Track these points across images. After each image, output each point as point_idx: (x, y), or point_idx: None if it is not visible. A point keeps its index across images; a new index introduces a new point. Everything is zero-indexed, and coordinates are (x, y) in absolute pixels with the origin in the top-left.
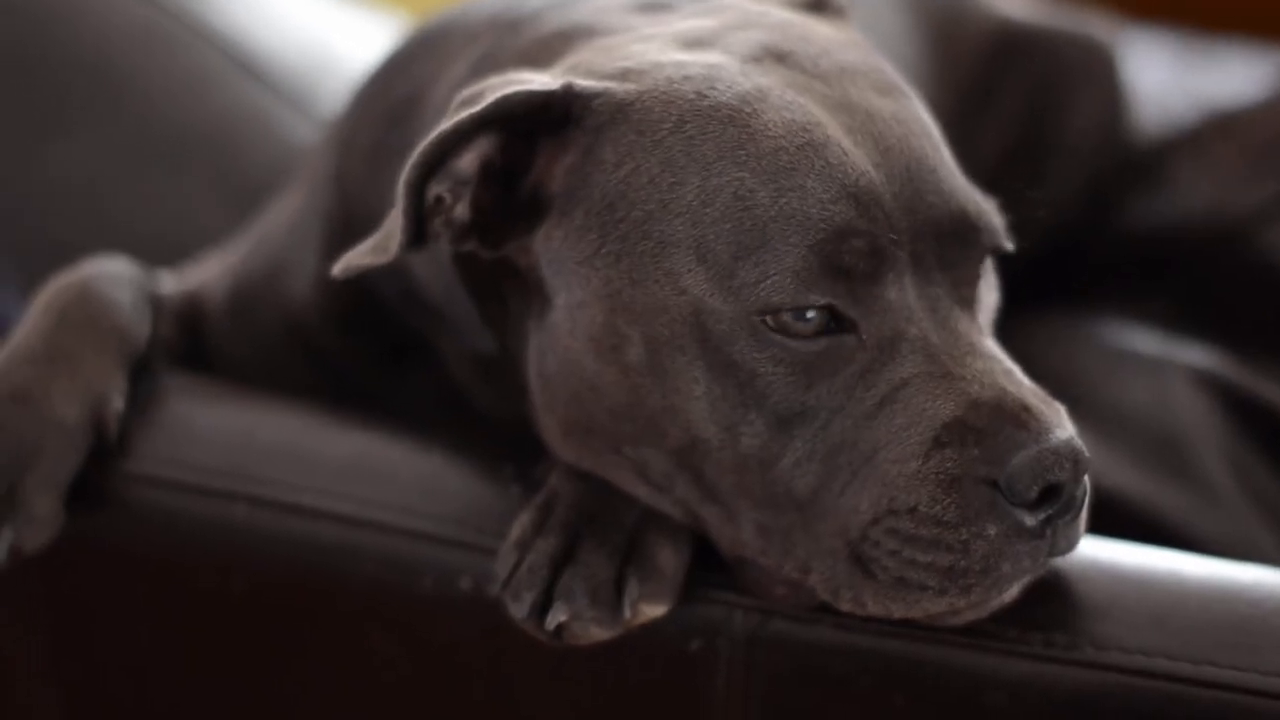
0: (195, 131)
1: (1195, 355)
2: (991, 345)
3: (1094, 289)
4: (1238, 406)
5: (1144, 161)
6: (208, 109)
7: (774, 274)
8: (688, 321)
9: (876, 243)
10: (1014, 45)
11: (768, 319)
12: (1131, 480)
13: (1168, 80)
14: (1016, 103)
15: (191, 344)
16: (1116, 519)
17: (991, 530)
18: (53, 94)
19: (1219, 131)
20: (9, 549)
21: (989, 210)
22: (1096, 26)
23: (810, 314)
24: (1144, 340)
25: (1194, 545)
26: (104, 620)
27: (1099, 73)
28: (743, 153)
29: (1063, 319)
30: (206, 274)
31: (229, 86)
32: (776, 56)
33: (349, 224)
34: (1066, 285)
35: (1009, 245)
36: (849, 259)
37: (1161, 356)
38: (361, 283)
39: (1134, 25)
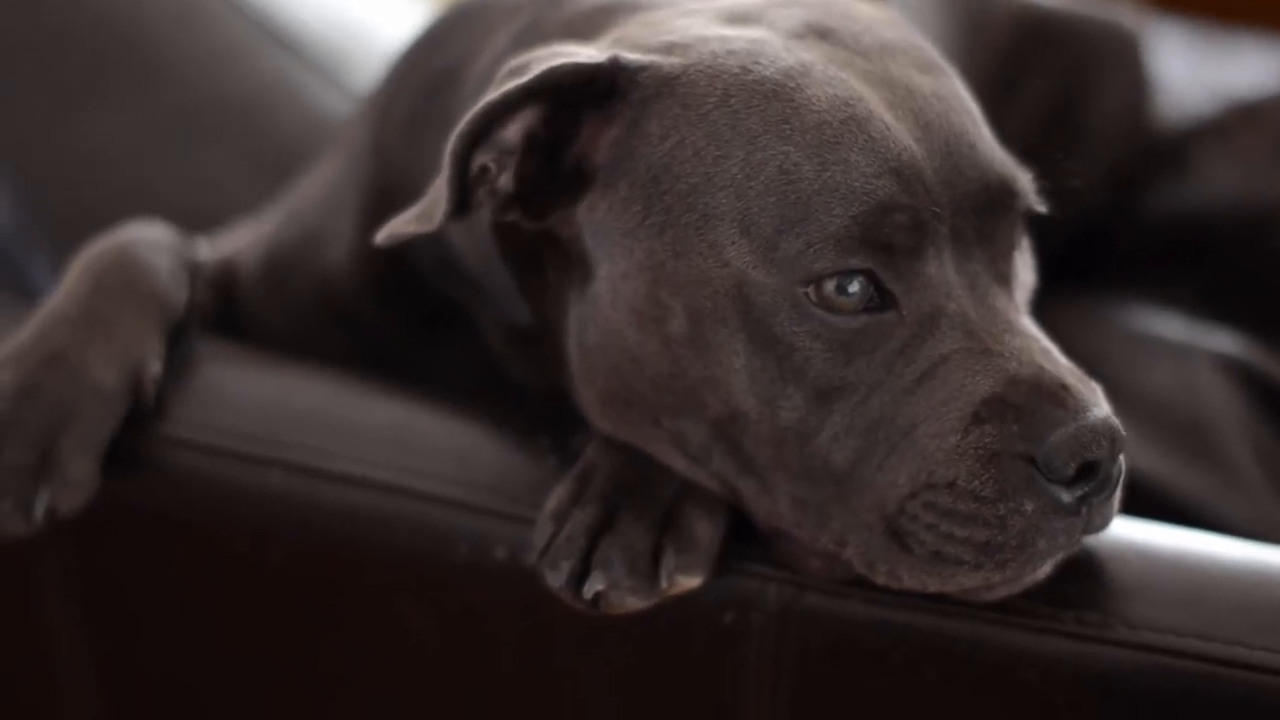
0: (227, 102)
1: (1221, 341)
2: (1029, 323)
3: (1120, 274)
4: (1263, 392)
5: (1169, 148)
6: (239, 80)
7: (816, 243)
8: (730, 294)
9: (918, 217)
10: (1040, 31)
11: (810, 291)
12: (1156, 463)
13: (1187, 71)
14: (1043, 88)
15: (225, 310)
16: (1141, 501)
17: (1029, 506)
18: (85, 64)
19: (1244, 120)
20: (45, 511)
21: (1024, 177)
22: (1122, 13)
23: (853, 287)
24: (1170, 326)
25: (1218, 528)
26: (138, 587)
27: (1125, 59)
28: (787, 127)
29: (1089, 303)
30: (241, 241)
31: (260, 57)
32: (819, 33)
33: (386, 194)
34: (1092, 270)
35: (1041, 207)
36: (891, 233)
37: (1187, 342)
38: (398, 251)
39: (1153, 16)
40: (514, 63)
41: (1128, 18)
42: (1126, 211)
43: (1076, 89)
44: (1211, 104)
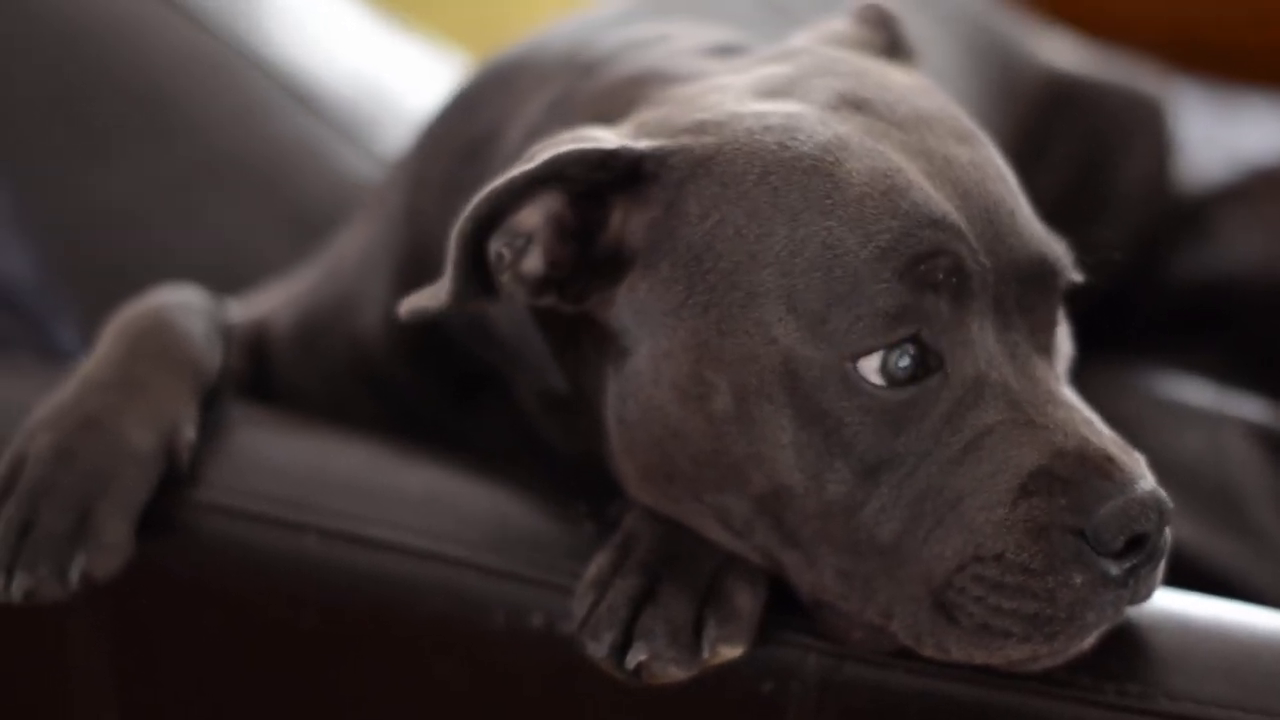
0: (248, 160)
1: (1248, 408)
2: (1070, 394)
3: (1144, 340)
4: None
5: (1191, 213)
6: (260, 138)
7: (865, 316)
8: (777, 370)
9: (961, 261)
10: (1065, 97)
11: (859, 366)
12: (1186, 531)
13: (1203, 134)
14: (1069, 154)
15: (256, 373)
16: (1171, 570)
17: (1078, 579)
18: (107, 121)
19: (1267, 186)
20: (80, 576)
21: (1064, 253)
22: (1146, 79)
23: (903, 361)
24: (1196, 393)
25: (1249, 597)
26: (169, 648)
27: (1148, 125)
28: (829, 201)
29: (1114, 369)
30: (272, 303)
31: (281, 116)
32: (854, 104)
33: (420, 259)
34: (1116, 336)
35: (1078, 277)
36: (936, 275)
37: (1215, 409)
38: (433, 316)
39: (1173, 78)
40: (535, 147)
41: (1151, 83)
42: (1150, 276)
43: (1102, 155)
44: (1229, 169)
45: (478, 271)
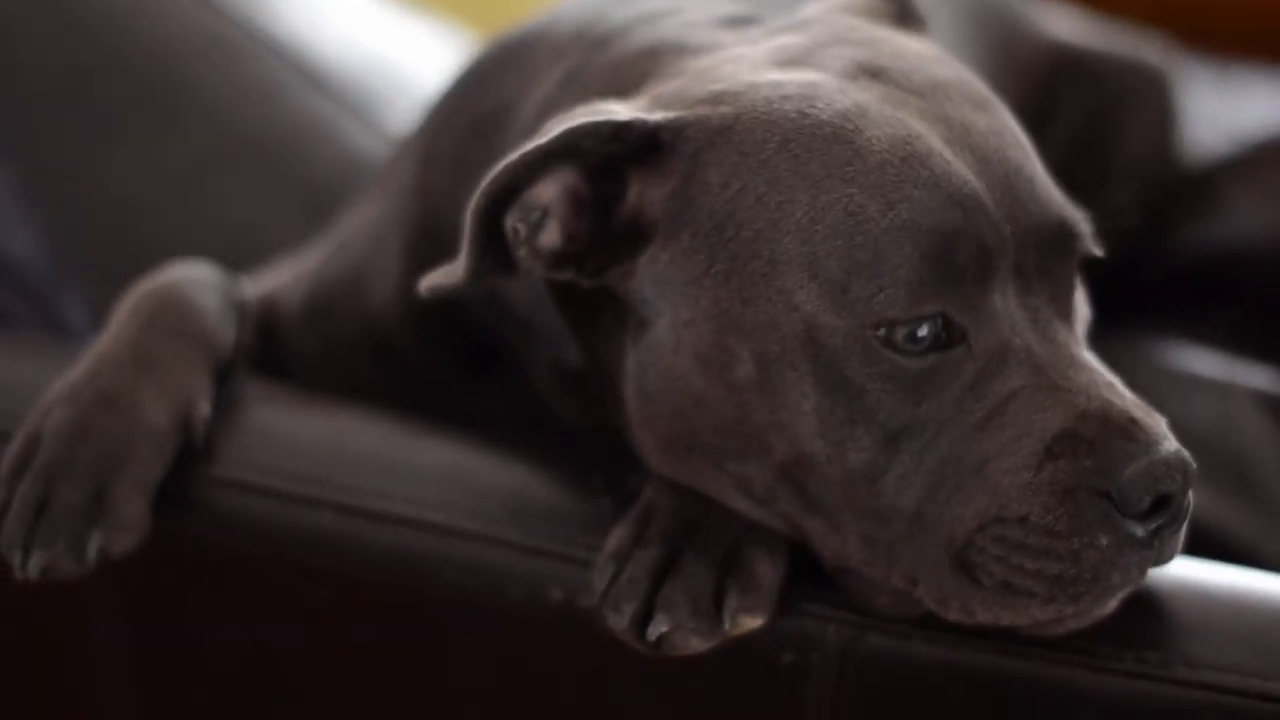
0: (259, 140)
1: (1258, 378)
2: (1091, 357)
3: (1152, 311)
4: None
5: (1196, 185)
6: (272, 118)
7: (888, 287)
8: (799, 338)
9: (985, 244)
10: (1069, 68)
11: (880, 333)
12: (1198, 499)
13: (1208, 109)
14: (1072, 125)
15: (266, 350)
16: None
17: (1103, 540)
18: (118, 103)
19: (1273, 159)
20: (97, 552)
21: (1082, 218)
22: (1150, 50)
23: (923, 331)
24: (1206, 363)
25: (1259, 564)
26: (188, 624)
27: (1152, 96)
28: (850, 169)
29: (1122, 340)
30: (282, 279)
31: (293, 96)
32: (871, 73)
33: (431, 234)
34: (1124, 307)
35: (1098, 250)
36: (960, 261)
37: (1224, 379)
38: (450, 293)
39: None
40: (551, 122)
41: (1154, 55)
42: (1156, 248)
43: (1105, 125)
44: (1233, 143)
45: (494, 247)
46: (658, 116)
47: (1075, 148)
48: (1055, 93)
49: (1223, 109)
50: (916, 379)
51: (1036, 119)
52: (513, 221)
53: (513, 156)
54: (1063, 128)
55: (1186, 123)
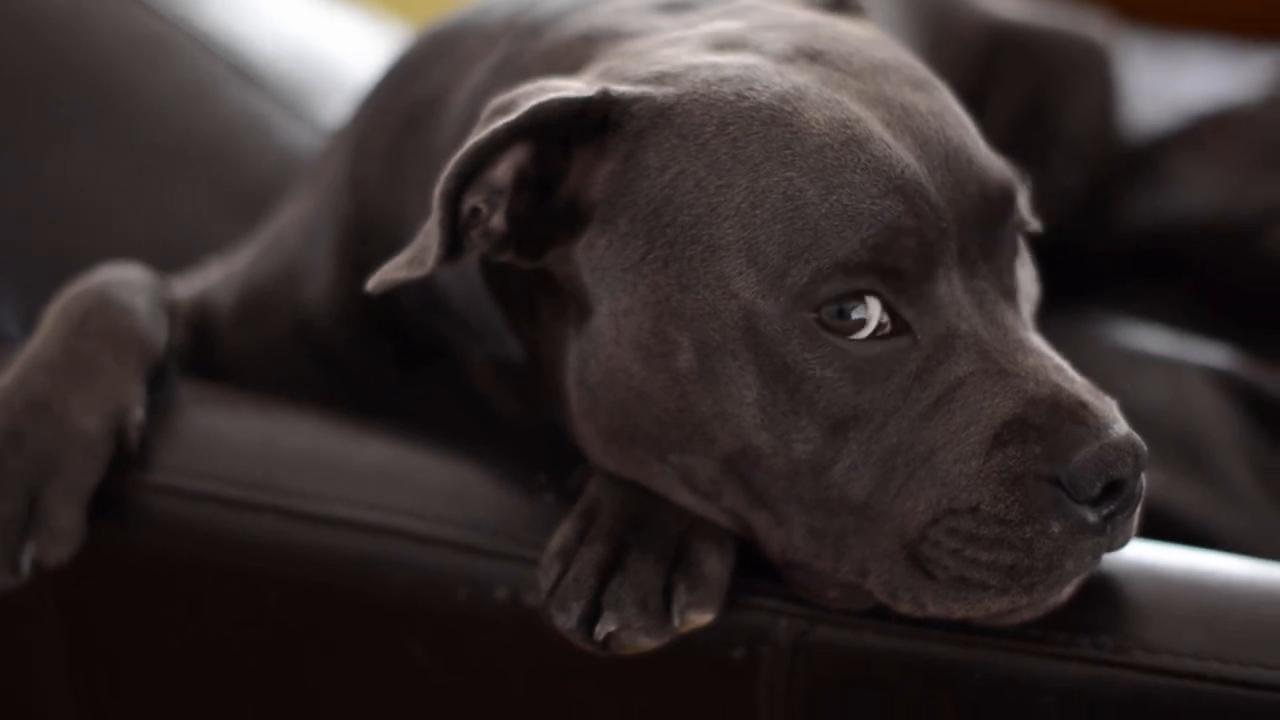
0: (195, 139)
1: (1209, 354)
2: (1039, 340)
3: (1100, 289)
4: (1254, 405)
5: (1140, 160)
6: (207, 116)
7: (826, 269)
8: (739, 325)
9: (926, 239)
10: (1008, 44)
11: (820, 317)
12: (1151, 479)
13: (1145, 83)
14: (1012, 102)
15: (199, 351)
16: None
17: (1055, 528)
18: (51, 103)
19: (1216, 130)
20: (31, 563)
21: (1016, 178)
22: (1090, 24)
23: (862, 311)
24: (1156, 340)
25: (1213, 543)
26: (126, 634)
27: (1092, 70)
28: (789, 152)
29: (1071, 319)
30: (213, 278)
31: (228, 94)
32: (809, 55)
33: (364, 228)
34: (1071, 286)
35: (1035, 224)
36: (900, 258)
37: (1175, 356)
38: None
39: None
40: (499, 100)
41: (1095, 29)
42: (1101, 223)
43: (1046, 101)
44: (1176, 116)
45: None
46: (619, 90)
47: (1016, 124)
48: (994, 70)
49: (1163, 82)
50: (860, 366)
51: (976, 97)
52: (474, 202)
53: (479, 136)
54: (1003, 105)
55: (1127, 96)
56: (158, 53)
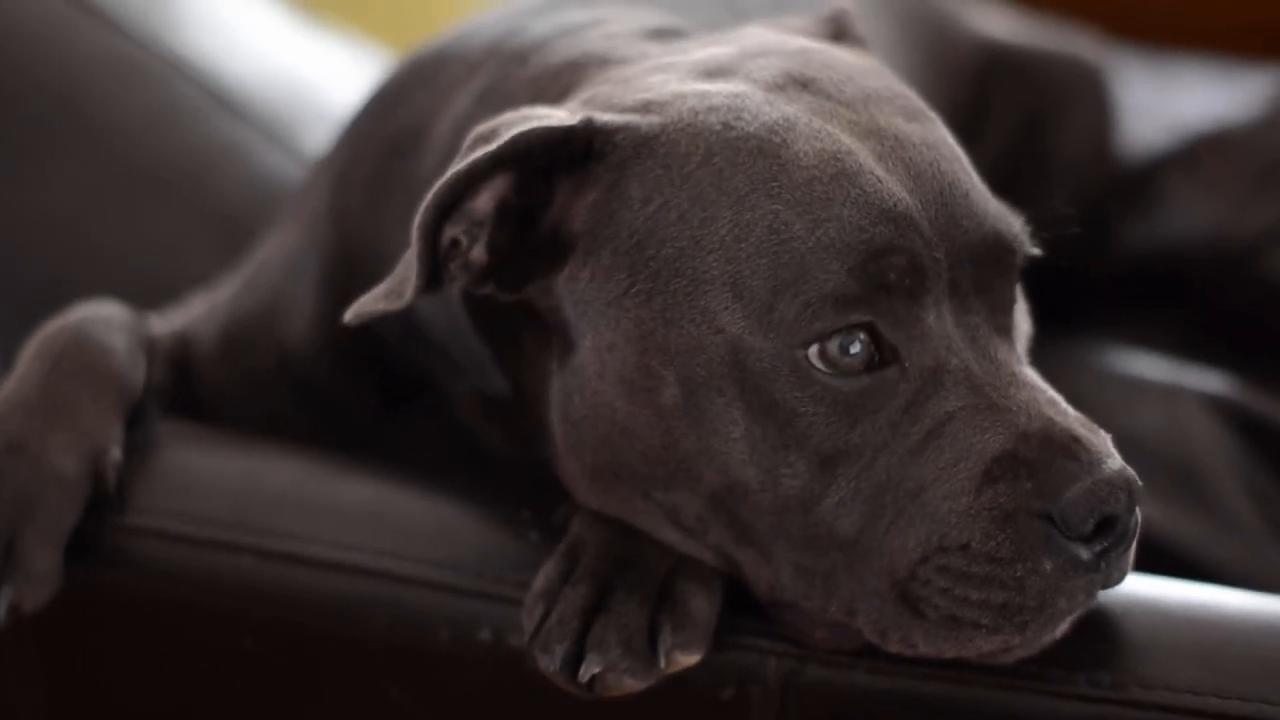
0: (171, 165)
1: (1206, 380)
2: (1032, 374)
3: (1096, 315)
4: (1252, 432)
5: (1137, 182)
6: (183, 142)
7: (814, 303)
8: (725, 361)
9: (916, 259)
10: (1002, 67)
11: (810, 354)
12: (1147, 508)
13: (1141, 103)
14: (1006, 124)
15: (181, 387)
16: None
17: (1047, 565)
18: (25, 129)
19: (1212, 151)
20: (8, 607)
21: (1020, 229)
22: (1084, 46)
23: (854, 347)
24: (1152, 366)
25: (1211, 573)
26: (107, 676)
27: (1087, 92)
28: (775, 185)
29: (1066, 346)
30: (194, 314)
31: (204, 119)
32: (800, 83)
33: (347, 260)
34: (1066, 311)
35: (1035, 250)
36: (889, 275)
37: (1172, 382)
38: (363, 323)
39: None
40: (481, 128)
41: (1088, 49)
42: (1097, 247)
43: (1041, 124)
44: (1171, 137)
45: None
46: (607, 118)
47: (1011, 147)
48: (989, 92)
49: (1158, 101)
50: (849, 401)
51: (970, 119)
52: (454, 233)
53: (459, 166)
54: (998, 127)
55: (1123, 117)
56: (132, 77)
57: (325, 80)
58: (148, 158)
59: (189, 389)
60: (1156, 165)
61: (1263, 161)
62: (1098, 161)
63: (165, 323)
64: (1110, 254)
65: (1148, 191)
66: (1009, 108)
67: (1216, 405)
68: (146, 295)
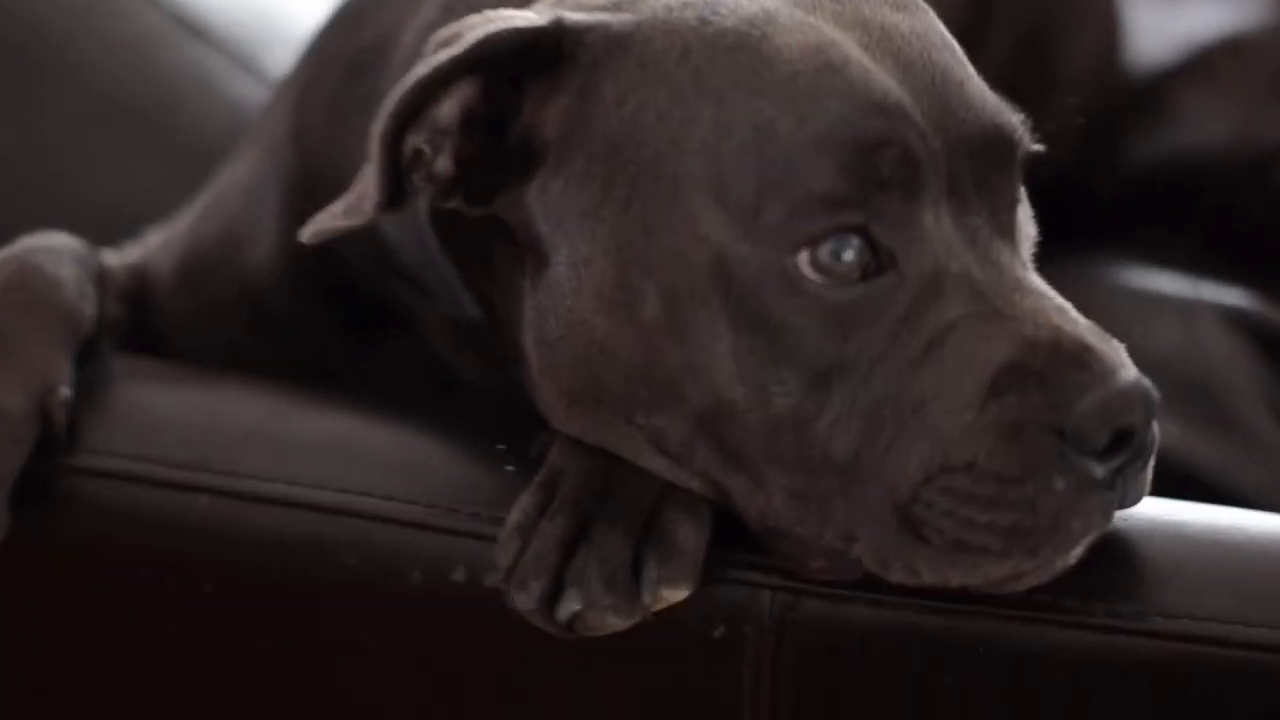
0: (139, 95)
1: (1225, 294)
2: (1038, 280)
3: (1109, 230)
4: (1274, 347)
5: (1147, 95)
6: (151, 72)
7: (803, 204)
8: (709, 270)
9: (910, 152)
10: None
11: (799, 261)
12: (1165, 428)
13: (1153, 20)
14: (1010, 40)
15: (138, 323)
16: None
17: (1059, 484)
18: None
19: (1226, 57)
20: None
21: (1019, 122)
22: None
23: (847, 253)
24: (1168, 282)
25: (1234, 496)
26: (59, 626)
27: (1093, 7)
28: (757, 80)
29: (1079, 262)
30: (151, 245)
31: (172, 47)
32: None
33: (309, 184)
34: (1078, 227)
35: (1036, 145)
36: (883, 170)
37: (1189, 297)
38: (326, 247)
39: None
40: (443, 32)
41: None
42: (1107, 165)
43: (1047, 39)
44: (1181, 51)
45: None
46: (574, 18)
47: (1014, 64)
48: (991, 8)
49: (1167, 18)
50: (843, 312)
51: (976, 30)
52: (417, 143)
53: (421, 71)
54: (1000, 43)
55: (1131, 33)
56: (96, 6)
57: (294, 3)
58: (114, 88)
59: (147, 324)
60: (1168, 80)
61: (1278, 69)
62: (1105, 77)
63: (121, 256)
64: (1121, 171)
65: (1159, 104)
66: (1012, 23)
67: (1236, 320)
68: (113, 228)
